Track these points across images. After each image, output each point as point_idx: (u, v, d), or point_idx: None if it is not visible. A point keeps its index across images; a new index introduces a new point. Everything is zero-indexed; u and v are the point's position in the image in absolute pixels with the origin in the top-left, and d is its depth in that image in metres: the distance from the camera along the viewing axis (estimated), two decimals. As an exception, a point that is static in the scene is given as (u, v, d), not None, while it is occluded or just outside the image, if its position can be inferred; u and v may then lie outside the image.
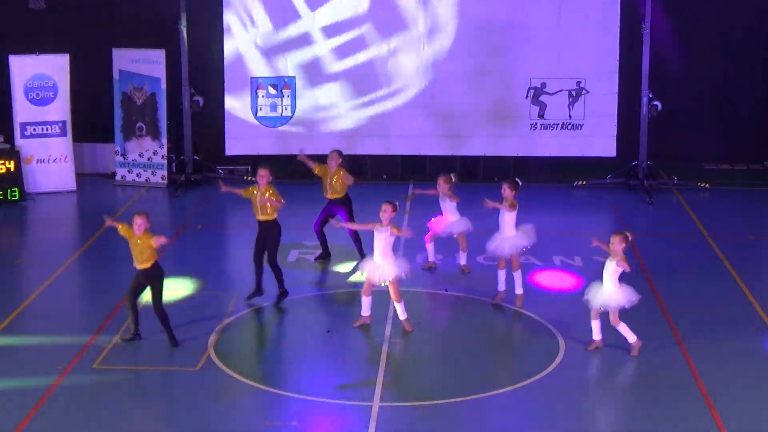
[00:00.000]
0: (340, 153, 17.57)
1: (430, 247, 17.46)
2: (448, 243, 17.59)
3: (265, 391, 13.10)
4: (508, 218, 15.57)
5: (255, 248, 15.93)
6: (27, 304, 15.97)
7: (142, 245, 13.94)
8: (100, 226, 19.85)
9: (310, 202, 21.36)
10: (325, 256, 17.85)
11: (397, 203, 14.80)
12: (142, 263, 14.02)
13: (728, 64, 23.74)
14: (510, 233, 15.61)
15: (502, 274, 15.78)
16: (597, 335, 14.13)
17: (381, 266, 14.58)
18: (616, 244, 13.89)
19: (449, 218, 17.13)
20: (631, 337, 13.99)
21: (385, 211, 14.58)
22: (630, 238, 14.05)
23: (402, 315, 14.78)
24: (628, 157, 22.88)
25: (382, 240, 14.59)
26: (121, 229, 14.17)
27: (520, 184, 15.76)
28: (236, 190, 16.16)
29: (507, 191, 15.54)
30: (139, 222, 13.96)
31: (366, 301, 14.86)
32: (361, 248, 17.37)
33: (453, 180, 17.05)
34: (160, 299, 14.14)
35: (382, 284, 14.63)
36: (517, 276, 15.77)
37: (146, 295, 14.26)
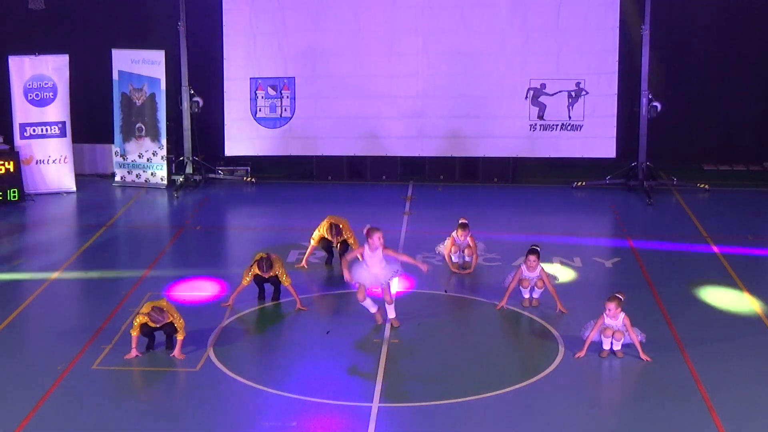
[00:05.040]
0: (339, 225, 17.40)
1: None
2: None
3: (265, 391, 13.10)
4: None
5: None
6: (27, 304, 15.97)
7: None
8: (100, 227, 19.91)
9: (309, 203, 21.43)
10: (331, 261, 17.87)
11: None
12: None
13: (728, 64, 23.73)
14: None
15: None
16: (607, 345, 14.12)
17: (377, 273, 14.75)
18: (612, 309, 13.88)
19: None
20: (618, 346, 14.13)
21: (379, 238, 14.64)
22: (623, 299, 13.98)
23: (392, 314, 15.02)
24: (628, 158, 22.87)
25: (376, 257, 14.72)
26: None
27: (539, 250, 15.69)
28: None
29: (533, 262, 15.49)
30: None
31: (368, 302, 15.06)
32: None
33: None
34: None
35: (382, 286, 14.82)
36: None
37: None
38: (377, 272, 14.75)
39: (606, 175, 22.84)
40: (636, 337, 13.96)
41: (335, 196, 22.03)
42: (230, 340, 14.65)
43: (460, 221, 16.99)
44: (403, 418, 12.48)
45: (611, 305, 13.89)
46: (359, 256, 14.94)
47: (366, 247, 14.77)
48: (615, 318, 13.92)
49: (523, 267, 15.47)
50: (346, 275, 14.81)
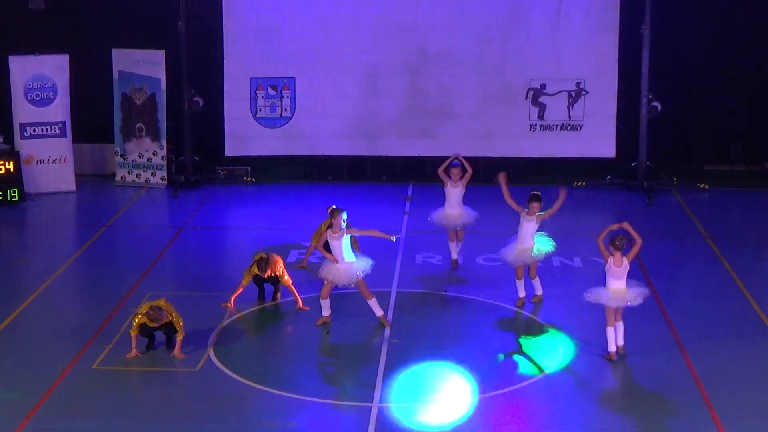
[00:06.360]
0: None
1: (452, 245, 17.44)
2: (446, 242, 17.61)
3: (265, 391, 13.10)
4: (530, 228, 15.54)
5: None
6: (27, 304, 15.97)
7: None
8: (100, 227, 19.91)
9: (309, 203, 21.43)
10: None
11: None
12: None
13: (727, 64, 23.71)
14: (530, 243, 15.59)
15: (520, 284, 15.78)
16: (612, 347, 14.03)
17: (344, 269, 14.64)
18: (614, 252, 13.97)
19: (453, 209, 17.11)
20: (612, 347, 14.05)
21: (340, 219, 14.56)
22: (620, 244, 14.03)
23: (378, 311, 14.92)
24: (628, 158, 22.86)
25: (341, 244, 14.60)
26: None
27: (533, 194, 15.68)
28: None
29: (535, 205, 15.49)
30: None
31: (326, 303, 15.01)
32: None
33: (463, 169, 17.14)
34: None
35: (352, 285, 14.75)
36: (537, 282, 15.84)
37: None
38: (346, 268, 14.60)
39: (606, 175, 22.83)
40: (641, 291, 13.93)
41: (335, 196, 21.96)
42: (230, 340, 14.65)
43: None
44: (403, 419, 12.48)
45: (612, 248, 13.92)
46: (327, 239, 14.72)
47: (329, 231, 14.63)
48: (619, 264, 13.87)
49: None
50: (329, 257, 14.69)
